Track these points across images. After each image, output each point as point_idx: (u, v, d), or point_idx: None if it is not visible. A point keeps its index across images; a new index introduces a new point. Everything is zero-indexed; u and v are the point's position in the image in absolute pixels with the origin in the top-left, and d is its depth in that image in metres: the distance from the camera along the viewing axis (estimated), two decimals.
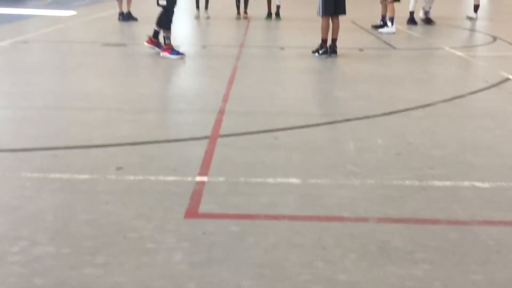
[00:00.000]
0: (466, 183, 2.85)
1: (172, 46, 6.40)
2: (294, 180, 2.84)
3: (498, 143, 3.57)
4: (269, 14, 10.96)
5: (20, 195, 2.60)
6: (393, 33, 8.93)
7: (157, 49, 6.46)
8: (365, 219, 2.42)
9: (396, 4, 8.96)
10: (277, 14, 10.92)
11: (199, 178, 2.83)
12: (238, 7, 11.00)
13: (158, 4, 6.32)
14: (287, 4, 11.35)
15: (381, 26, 9.33)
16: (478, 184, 2.84)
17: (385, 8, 9.27)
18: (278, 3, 10.84)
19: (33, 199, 2.56)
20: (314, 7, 6.74)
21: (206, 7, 10.89)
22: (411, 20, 10.19)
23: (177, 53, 6.38)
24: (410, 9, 10.14)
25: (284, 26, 10.28)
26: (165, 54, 6.38)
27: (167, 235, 2.24)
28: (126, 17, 9.93)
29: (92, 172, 2.89)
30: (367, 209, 2.52)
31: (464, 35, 9.71)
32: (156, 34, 6.48)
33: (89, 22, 10.16)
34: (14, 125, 3.79)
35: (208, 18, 10.86)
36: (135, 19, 9.98)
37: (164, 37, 6.36)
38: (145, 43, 6.55)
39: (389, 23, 9.08)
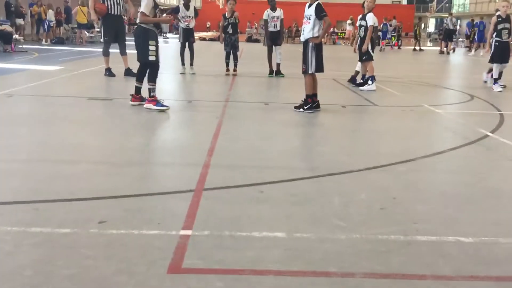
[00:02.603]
0: (450, 238, 2.86)
1: (156, 98, 6.51)
2: (279, 234, 2.82)
3: (480, 198, 3.62)
4: (271, 72, 11.32)
5: None
6: (374, 90, 9.20)
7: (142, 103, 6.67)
8: (352, 274, 2.40)
9: (373, 63, 9.30)
10: (278, 71, 11.26)
11: (183, 232, 2.79)
12: (227, 63, 11.29)
13: (144, 60, 6.52)
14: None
15: (362, 84, 9.62)
16: (462, 239, 2.85)
17: (365, 67, 9.62)
18: (278, 61, 11.23)
19: (13, 253, 2.49)
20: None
21: (191, 64, 11.12)
22: (353, 80, 10.15)
23: (162, 105, 6.47)
24: (357, 68, 10.15)
25: (267, 82, 10.50)
26: (150, 105, 6.49)
27: None
28: (126, 73, 10.07)
29: (74, 226, 2.83)
30: (353, 264, 2.50)
31: (442, 94, 10.01)
32: (138, 90, 6.69)
33: (75, 77, 10.25)
34: None
35: (193, 74, 11.03)
36: (135, 74, 10.09)
37: (149, 89, 6.50)
38: (130, 102, 6.73)
39: (369, 81, 9.38)
